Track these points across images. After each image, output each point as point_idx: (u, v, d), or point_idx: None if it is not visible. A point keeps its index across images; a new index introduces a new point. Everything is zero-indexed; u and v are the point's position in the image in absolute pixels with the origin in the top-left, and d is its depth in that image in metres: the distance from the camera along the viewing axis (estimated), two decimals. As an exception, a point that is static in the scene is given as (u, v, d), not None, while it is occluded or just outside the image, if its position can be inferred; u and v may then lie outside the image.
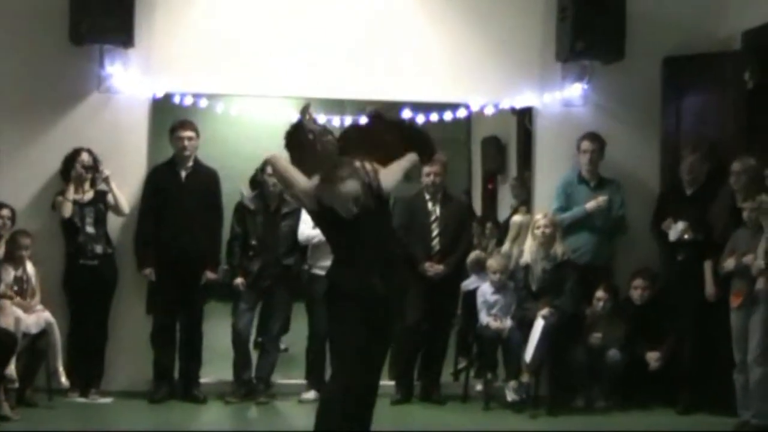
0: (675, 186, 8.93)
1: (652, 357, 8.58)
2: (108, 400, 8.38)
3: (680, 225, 8.52)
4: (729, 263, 7.92)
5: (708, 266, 8.33)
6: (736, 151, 8.44)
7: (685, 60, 9.13)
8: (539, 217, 8.75)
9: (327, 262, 8.56)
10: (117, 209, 8.54)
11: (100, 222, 8.48)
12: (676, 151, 9.00)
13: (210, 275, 8.58)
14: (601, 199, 8.85)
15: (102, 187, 8.49)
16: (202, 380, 8.68)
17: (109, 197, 8.49)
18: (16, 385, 7.75)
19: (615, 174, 9.07)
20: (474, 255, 9.48)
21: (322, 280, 8.66)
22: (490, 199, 13.26)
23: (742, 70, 8.80)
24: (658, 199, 9.00)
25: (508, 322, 8.64)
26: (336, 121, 9.39)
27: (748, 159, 8.16)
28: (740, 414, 7.92)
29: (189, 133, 8.60)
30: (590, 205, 8.86)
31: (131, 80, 8.67)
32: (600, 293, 8.69)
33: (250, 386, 8.61)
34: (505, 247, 9.55)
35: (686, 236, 8.50)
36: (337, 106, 10.51)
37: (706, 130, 9.03)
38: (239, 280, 8.59)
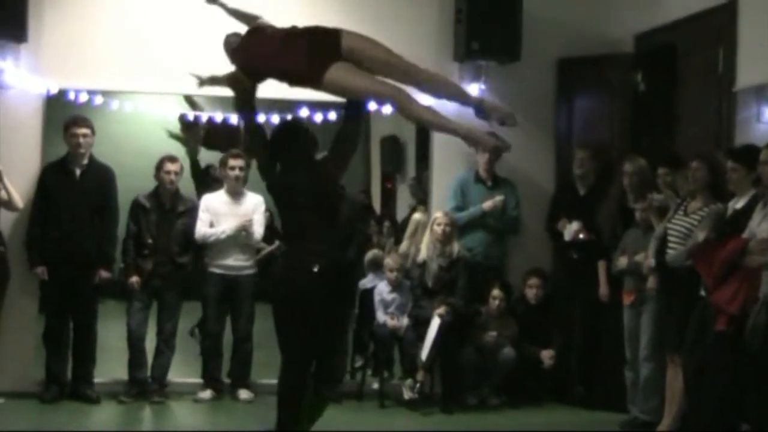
0: (568, 186, 9.02)
1: (547, 355, 8.69)
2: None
3: (575, 225, 8.63)
4: (622, 262, 8.01)
5: (602, 266, 8.45)
6: (624, 153, 8.57)
7: (578, 62, 9.25)
8: (439, 215, 8.82)
9: (224, 261, 8.66)
10: (10, 205, 8.37)
11: (-8, 219, 8.32)
12: (569, 151, 9.09)
13: (104, 274, 8.47)
14: (498, 199, 8.93)
15: (-6, 183, 8.34)
16: (96, 380, 8.56)
17: (2, 193, 8.31)
18: None
19: (509, 174, 9.16)
20: (371, 254, 9.53)
21: (217, 278, 8.71)
22: (389, 198, 13.31)
23: (632, 72, 8.97)
24: (552, 199, 9.11)
25: (404, 321, 8.70)
26: (233, 119, 9.29)
27: (639, 159, 8.22)
28: (629, 410, 8.06)
29: (84, 130, 8.47)
30: (488, 204, 8.94)
31: (24, 76, 8.52)
32: (496, 291, 8.75)
33: (145, 385, 8.54)
34: (404, 245, 9.59)
35: (581, 236, 8.62)
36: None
37: (596, 132, 9.15)
38: (133, 279, 8.52)
